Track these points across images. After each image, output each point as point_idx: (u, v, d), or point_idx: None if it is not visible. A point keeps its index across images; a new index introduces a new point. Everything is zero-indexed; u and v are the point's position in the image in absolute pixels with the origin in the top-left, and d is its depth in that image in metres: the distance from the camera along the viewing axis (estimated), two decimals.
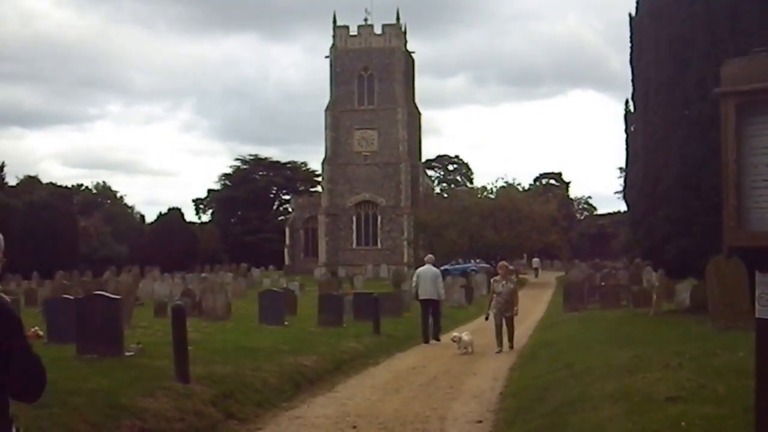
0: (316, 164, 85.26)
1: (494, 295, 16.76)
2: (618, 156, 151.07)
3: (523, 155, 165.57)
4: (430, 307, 17.58)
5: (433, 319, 17.64)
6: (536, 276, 63.20)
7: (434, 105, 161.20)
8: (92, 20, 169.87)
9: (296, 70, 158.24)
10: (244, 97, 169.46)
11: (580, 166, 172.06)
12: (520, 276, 59.30)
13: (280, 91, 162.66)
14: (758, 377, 4.51)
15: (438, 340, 17.74)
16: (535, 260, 67.73)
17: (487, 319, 17.07)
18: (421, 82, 76.67)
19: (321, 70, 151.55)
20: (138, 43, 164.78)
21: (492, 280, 17.68)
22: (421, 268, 18.04)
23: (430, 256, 19.30)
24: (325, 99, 73.61)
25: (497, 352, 15.98)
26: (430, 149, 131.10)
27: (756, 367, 4.53)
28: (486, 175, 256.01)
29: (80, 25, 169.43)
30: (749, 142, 4.39)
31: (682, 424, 6.43)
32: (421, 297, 17.63)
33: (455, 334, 16.40)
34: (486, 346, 16.35)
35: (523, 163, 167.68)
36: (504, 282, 16.68)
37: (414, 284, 18.23)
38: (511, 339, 16.56)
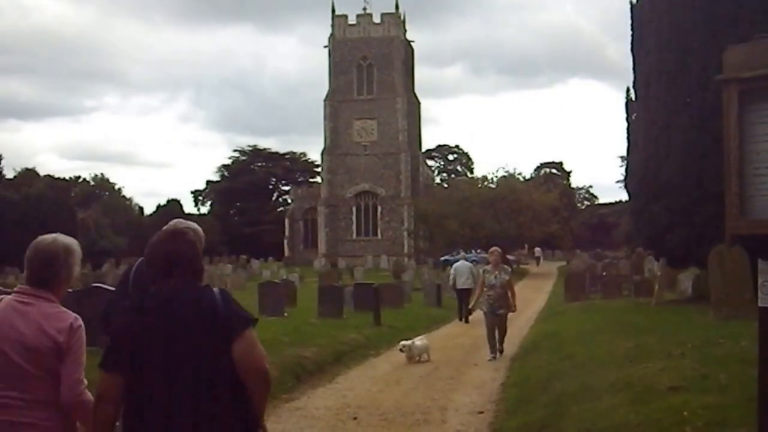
0: (315, 155, 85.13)
1: (485, 289, 14.06)
2: (619, 145, 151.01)
3: (524, 145, 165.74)
4: (466, 295, 20.02)
5: (466, 304, 19.66)
6: (538, 264, 63.28)
7: (432, 95, 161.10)
8: (88, 12, 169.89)
9: (293, 60, 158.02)
10: (241, 89, 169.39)
11: (581, 155, 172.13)
12: (522, 266, 59.18)
13: (278, 82, 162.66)
14: (761, 366, 4.51)
15: (468, 321, 20.05)
16: (537, 249, 67.79)
17: (470, 313, 15.73)
18: (418, 72, 76.41)
19: (318, 61, 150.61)
20: (134, 35, 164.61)
21: (482, 271, 14.68)
22: (456, 264, 20.99)
23: (463, 253, 22.39)
24: (324, 89, 73.49)
25: (491, 359, 13.63)
26: (429, 139, 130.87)
27: (759, 356, 4.52)
28: (486, 165, 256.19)
29: (76, 17, 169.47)
30: (752, 129, 4.37)
31: (685, 413, 6.39)
32: (458, 287, 20.59)
33: (403, 342, 13.55)
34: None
35: (524, 152, 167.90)
36: (497, 273, 13.93)
37: (452, 277, 21.07)
38: (501, 341, 14.10)
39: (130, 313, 3.40)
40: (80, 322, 3.63)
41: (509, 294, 14.05)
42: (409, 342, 13.42)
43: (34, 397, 3.48)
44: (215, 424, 3.21)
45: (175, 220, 4.55)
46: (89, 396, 3.50)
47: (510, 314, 14.36)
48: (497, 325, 13.87)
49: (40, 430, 3.49)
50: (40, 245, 3.76)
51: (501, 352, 14.06)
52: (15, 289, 3.79)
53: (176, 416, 3.19)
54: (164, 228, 3.56)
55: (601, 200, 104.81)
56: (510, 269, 14.74)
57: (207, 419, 3.19)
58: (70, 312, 3.68)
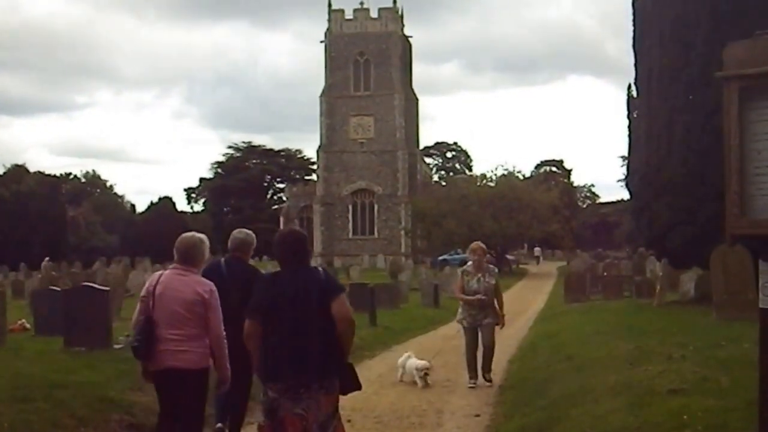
0: (311, 152, 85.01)
1: (463, 296, 10.85)
2: (620, 143, 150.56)
3: (523, 142, 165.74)
4: None
5: None
6: (537, 264, 63.18)
7: (429, 91, 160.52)
8: (81, 8, 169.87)
9: (288, 57, 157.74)
10: (234, 85, 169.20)
11: (582, 153, 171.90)
12: (521, 266, 58.96)
13: (272, 79, 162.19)
14: (762, 369, 4.44)
15: None
16: (537, 249, 67.77)
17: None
18: (415, 68, 76.09)
19: (313, 57, 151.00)
20: (127, 31, 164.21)
21: (460, 272, 11.21)
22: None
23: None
24: (318, 86, 73.19)
25: (471, 386, 10.70)
26: (427, 136, 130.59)
27: (760, 358, 4.44)
28: (485, 163, 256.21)
29: (68, 12, 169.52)
30: (752, 127, 4.30)
31: (684, 417, 6.30)
32: None
33: (417, 362, 11.12)
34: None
35: (524, 150, 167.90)
36: (480, 275, 10.75)
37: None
38: (488, 365, 10.92)
39: (267, 282, 5.42)
40: (214, 286, 5.88)
41: (496, 303, 10.95)
42: (423, 363, 11.05)
43: (188, 333, 5.67)
44: (322, 352, 5.08)
45: (239, 229, 7.77)
46: (224, 334, 5.78)
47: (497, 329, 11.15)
48: (481, 342, 10.81)
49: (190, 354, 5.66)
50: (185, 238, 6.03)
51: (489, 379, 10.92)
52: (170, 266, 5.98)
53: (297, 348, 5.07)
54: (280, 232, 5.63)
55: (603, 199, 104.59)
56: (497, 270, 11.47)
57: (319, 347, 5.08)
58: (208, 281, 5.96)
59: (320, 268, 5.41)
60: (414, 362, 11.05)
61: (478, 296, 10.68)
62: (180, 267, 5.90)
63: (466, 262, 11.23)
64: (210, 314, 5.73)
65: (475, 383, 10.72)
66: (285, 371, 5.09)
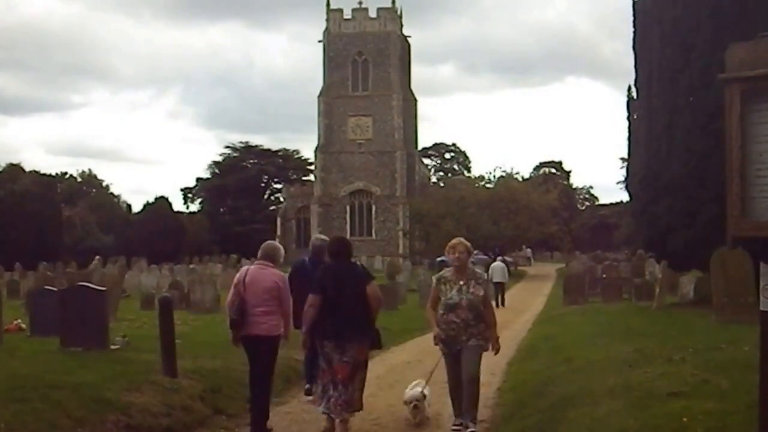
0: (308, 152, 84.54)
1: (441, 311, 7.93)
2: (620, 145, 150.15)
3: (522, 144, 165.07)
4: (500, 286, 26.18)
5: (500, 293, 25.97)
6: (529, 265, 63.06)
7: (426, 92, 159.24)
8: (76, 7, 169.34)
9: (283, 57, 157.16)
10: (230, 85, 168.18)
11: (581, 155, 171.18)
12: (520, 268, 58.75)
13: (269, 79, 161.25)
14: (762, 372, 4.45)
15: (504, 305, 25.45)
16: (527, 250, 67.55)
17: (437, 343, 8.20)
18: (412, 69, 75.88)
19: (310, 58, 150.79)
20: (122, 31, 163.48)
21: (435, 279, 8.27)
22: (493, 264, 28.11)
23: (498, 257, 34.44)
24: (315, 87, 73.26)
25: (456, 429, 8.01)
26: (425, 137, 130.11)
27: (760, 361, 4.45)
28: (484, 164, 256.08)
29: (64, 12, 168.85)
30: (754, 129, 4.29)
31: (684, 420, 6.28)
32: (494, 281, 25.13)
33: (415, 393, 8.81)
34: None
35: (522, 151, 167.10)
36: (462, 283, 7.87)
37: (489, 274, 25.09)
38: (472, 404, 8.00)
39: (326, 270, 7.93)
40: (286, 277, 8.46)
41: (486, 319, 7.98)
42: (413, 393, 8.84)
43: (267, 310, 7.98)
44: (360, 319, 7.63)
45: (317, 236, 11.64)
46: (291, 311, 8.21)
47: (487, 354, 8.31)
48: (462, 368, 8.00)
49: (267, 326, 7.98)
50: (269, 243, 8.63)
51: (473, 422, 7.98)
52: (255, 262, 8.36)
53: (344, 314, 7.58)
54: (331, 238, 8.83)
55: (602, 201, 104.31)
56: (486, 277, 8.87)
57: (357, 316, 7.63)
58: (281, 273, 8.32)
59: (358, 263, 8.14)
60: (409, 393, 8.90)
61: (436, 332, 8.07)
62: (262, 263, 8.23)
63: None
64: (282, 296, 8.08)
65: (461, 424, 8.00)
66: (336, 332, 7.58)
